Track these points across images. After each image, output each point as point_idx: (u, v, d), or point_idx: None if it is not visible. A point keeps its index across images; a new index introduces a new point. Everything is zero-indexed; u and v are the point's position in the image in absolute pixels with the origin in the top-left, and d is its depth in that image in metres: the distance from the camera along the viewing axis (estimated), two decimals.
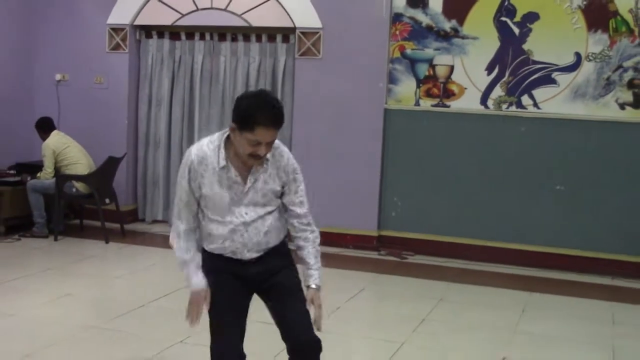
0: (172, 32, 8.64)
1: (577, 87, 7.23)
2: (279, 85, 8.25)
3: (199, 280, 3.23)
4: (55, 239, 7.90)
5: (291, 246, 3.42)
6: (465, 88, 7.56)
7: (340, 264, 7.26)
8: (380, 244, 7.90)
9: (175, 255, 3.28)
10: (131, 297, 6.04)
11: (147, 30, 8.75)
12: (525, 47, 7.35)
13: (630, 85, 7.11)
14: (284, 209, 3.33)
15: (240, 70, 8.40)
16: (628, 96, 7.13)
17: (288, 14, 8.00)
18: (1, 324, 5.27)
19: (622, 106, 7.15)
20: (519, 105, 7.42)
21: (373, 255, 7.78)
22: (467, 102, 7.56)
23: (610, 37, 7.13)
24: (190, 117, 8.68)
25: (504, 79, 7.44)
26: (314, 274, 3.30)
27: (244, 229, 3.19)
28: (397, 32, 7.71)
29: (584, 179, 7.28)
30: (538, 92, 7.35)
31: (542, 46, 7.30)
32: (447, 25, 7.55)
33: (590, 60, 7.19)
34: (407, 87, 7.73)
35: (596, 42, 7.16)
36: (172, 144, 8.72)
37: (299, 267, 3.38)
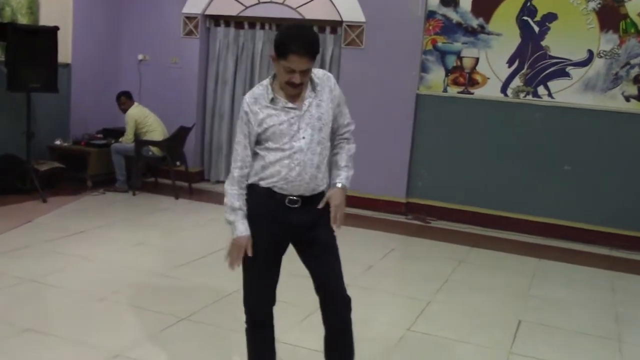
0: (237, 22, 8.05)
1: (588, 80, 6.53)
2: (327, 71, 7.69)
3: (245, 228, 2.66)
4: (134, 194, 7.48)
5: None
6: (488, 78, 6.90)
7: (373, 225, 6.74)
8: (407, 209, 7.32)
9: (226, 199, 2.70)
10: (193, 248, 5.56)
11: (216, 20, 8.17)
12: (544, 43, 6.64)
13: (636, 80, 6.39)
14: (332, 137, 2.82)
15: None
16: (633, 90, 6.42)
17: (336, 9, 7.39)
18: (82, 267, 4.87)
19: (627, 99, 6.45)
20: (535, 94, 6.75)
21: (401, 218, 7.20)
22: (489, 91, 6.89)
23: (620, 37, 6.41)
24: None
25: (523, 71, 6.75)
26: (341, 174, 2.79)
27: (301, 156, 2.64)
28: (431, 27, 7.05)
29: (589, 161, 6.61)
30: (553, 84, 6.65)
31: (558, 43, 6.59)
32: (475, 22, 6.88)
33: (601, 57, 6.48)
34: (436, 76, 7.09)
35: (607, 41, 6.44)
36: (234, 117, 8.16)
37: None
